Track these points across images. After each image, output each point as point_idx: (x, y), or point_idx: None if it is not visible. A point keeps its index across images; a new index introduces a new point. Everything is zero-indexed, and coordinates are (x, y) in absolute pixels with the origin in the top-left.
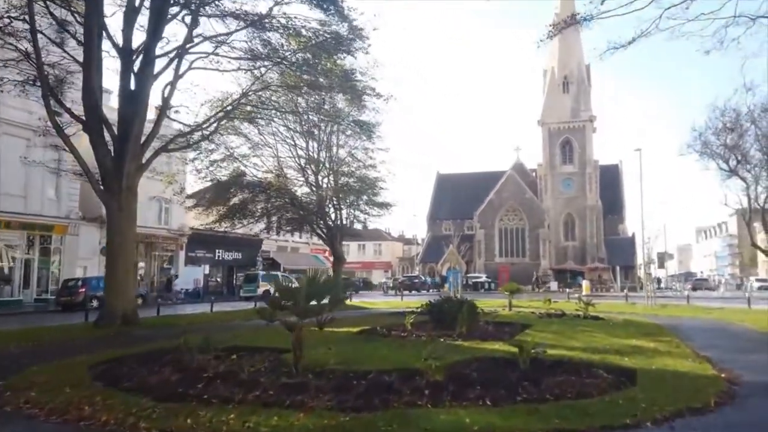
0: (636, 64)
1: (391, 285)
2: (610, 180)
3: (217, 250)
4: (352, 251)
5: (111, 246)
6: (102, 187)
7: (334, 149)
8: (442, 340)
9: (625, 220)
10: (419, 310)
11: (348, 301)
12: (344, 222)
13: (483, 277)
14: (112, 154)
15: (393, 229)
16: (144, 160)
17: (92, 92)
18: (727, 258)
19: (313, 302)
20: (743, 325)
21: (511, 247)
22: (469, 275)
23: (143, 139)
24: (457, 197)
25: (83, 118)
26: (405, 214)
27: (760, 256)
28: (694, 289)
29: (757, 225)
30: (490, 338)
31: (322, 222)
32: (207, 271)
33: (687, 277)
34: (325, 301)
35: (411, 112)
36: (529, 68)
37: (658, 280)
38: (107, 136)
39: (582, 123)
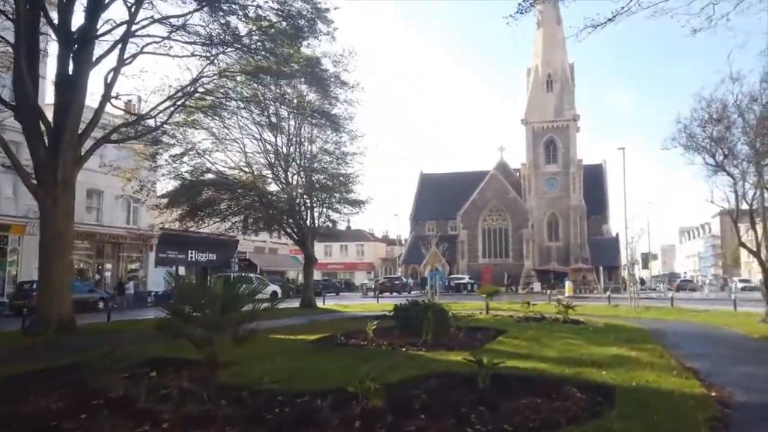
0: (621, 64)
1: (373, 286)
2: (594, 180)
3: (189, 251)
4: (334, 252)
5: (44, 246)
6: (35, 181)
7: (306, 144)
8: (403, 349)
9: (609, 221)
10: (390, 314)
11: (321, 305)
12: (316, 221)
13: (466, 278)
14: (47, 145)
15: (377, 230)
16: (83, 152)
17: (22, 76)
18: (710, 258)
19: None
20: (731, 330)
21: (494, 248)
22: (451, 276)
23: (82, 128)
24: (441, 197)
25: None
26: (389, 214)
27: (743, 256)
28: (677, 289)
29: (742, 226)
30: (458, 347)
31: (292, 221)
32: (183, 273)
33: (671, 278)
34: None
35: (396, 111)
36: (515, 67)
37: (642, 281)
38: (43, 127)
39: (566, 122)
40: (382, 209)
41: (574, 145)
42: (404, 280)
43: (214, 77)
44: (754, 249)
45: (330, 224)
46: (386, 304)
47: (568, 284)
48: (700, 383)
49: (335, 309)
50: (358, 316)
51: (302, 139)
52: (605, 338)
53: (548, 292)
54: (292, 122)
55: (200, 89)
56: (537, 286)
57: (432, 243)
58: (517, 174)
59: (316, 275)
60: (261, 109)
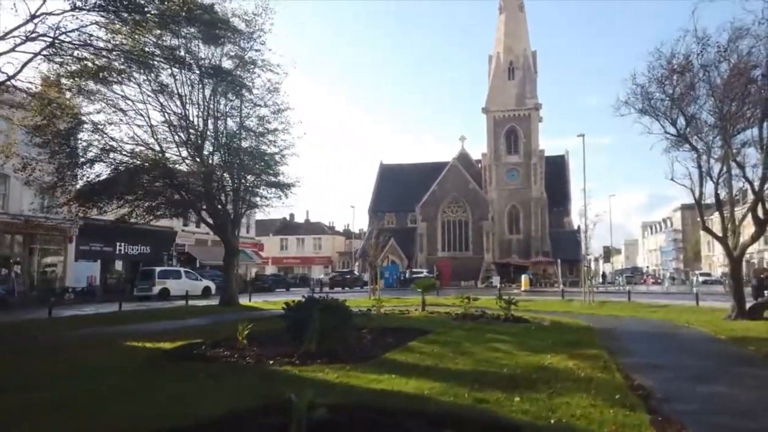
0: (594, 67)
1: (327, 281)
2: (557, 171)
3: (117, 243)
4: (290, 246)
5: None
6: None
7: (224, 119)
8: (270, 362)
9: (571, 213)
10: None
11: (247, 302)
12: (239, 207)
13: (424, 272)
14: None
15: (338, 223)
16: None
17: None
18: (672, 252)
19: None
20: (693, 329)
21: (454, 241)
22: (409, 270)
23: None
24: (401, 189)
25: None
26: (352, 207)
27: (704, 250)
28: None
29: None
30: (348, 358)
31: (209, 207)
32: (120, 267)
33: (633, 272)
34: None
35: (359, 101)
36: (479, 55)
37: (604, 275)
38: None
39: (527, 111)
40: (344, 201)
41: (536, 135)
42: (357, 274)
43: (66, 16)
44: (719, 234)
45: (251, 210)
46: None
47: (524, 278)
48: (650, 417)
49: (259, 307)
50: (279, 314)
51: (218, 114)
52: (544, 341)
53: (499, 286)
54: (206, 93)
55: (62, 37)
56: (496, 280)
57: (372, 236)
58: (479, 165)
59: (271, 269)
60: (148, 69)
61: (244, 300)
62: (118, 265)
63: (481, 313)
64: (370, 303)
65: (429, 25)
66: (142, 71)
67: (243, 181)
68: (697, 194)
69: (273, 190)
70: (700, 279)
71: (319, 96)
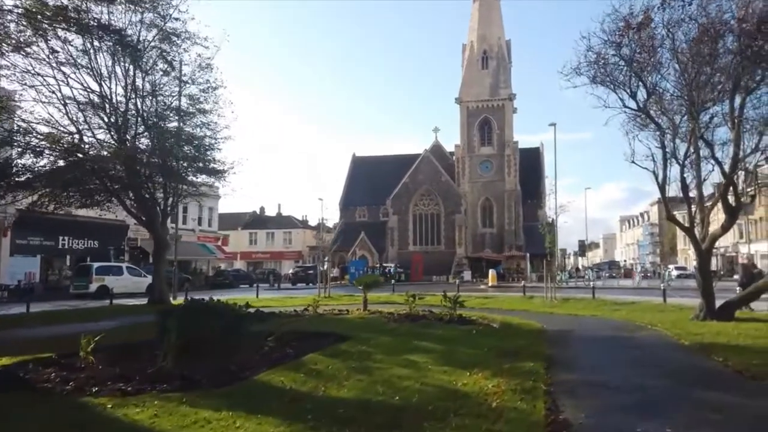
0: (566, 48)
1: (290, 277)
2: (531, 164)
3: (60, 237)
4: (260, 240)
5: None
6: None
7: (150, 99)
8: (95, 389)
9: (546, 206)
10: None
11: (183, 300)
12: (169, 195)
13: (392, 267)
14: None
15: (313, 217)
16: None
17: None
18: (649, 246)
19: None
20: (656, 331)
21: (426, 235)
22: (380, 265)
23: None
24: (374, 181)
25: None
26: (321, 200)
27: (680, 243)
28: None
29: (678, 213)
30: (203, 381)
31: (135, 196)
32: (68, 263)
33: (611, 266)
34: None
35: (336, 93)
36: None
37: (577, 269)
38: None
39: (501, 101)
40: (319, 195)
41: (510, 126)
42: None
43: None
44: (687, 224)
45: (182, 199)
46: (270, 297)
47: (491, 273)
48: None
49: None
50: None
51: (144, 92)
52: (478, 349)
53: (458, 282)
54: (126, 67)
55: None
56: (468, 275)
57: (332, 232)
58: (453, 157)
59: (240, 264)
60: (36, 30)
61: (191, 297)
62: (68, 260)
63: (426, 313)
64: (310, 301)
65: (404, 14)
66: (37, 37)
67: (171, 166)
68: (660, 178)
69: (204, 176)
70: (674, 273)
71: (299, 92)
